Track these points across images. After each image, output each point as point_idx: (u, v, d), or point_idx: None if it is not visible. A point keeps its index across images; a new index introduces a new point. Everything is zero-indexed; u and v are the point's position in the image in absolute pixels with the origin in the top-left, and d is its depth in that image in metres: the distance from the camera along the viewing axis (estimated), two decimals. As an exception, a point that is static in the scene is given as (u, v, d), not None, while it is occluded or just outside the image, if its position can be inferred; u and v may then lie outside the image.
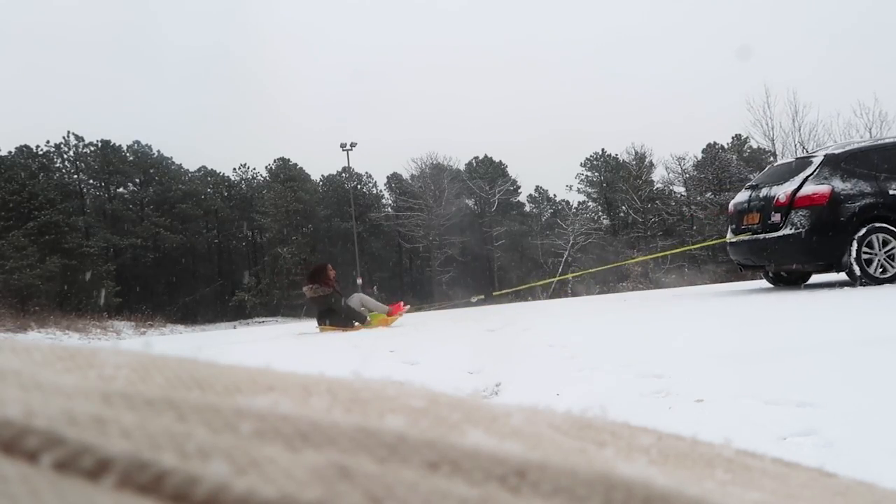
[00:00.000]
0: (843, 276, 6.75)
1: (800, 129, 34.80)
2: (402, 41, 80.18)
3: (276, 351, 5.41)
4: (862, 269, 6.36)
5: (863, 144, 7.00)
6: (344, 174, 44.14)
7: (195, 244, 42.87)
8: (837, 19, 66.54)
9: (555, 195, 48.55)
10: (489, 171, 46.27)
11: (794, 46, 66.29)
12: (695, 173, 41.05)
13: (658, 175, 43.96)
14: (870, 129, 29.95)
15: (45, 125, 60.18)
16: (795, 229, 6.54)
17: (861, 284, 6.35)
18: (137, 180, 42.45)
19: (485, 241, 43.37)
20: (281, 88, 74.34)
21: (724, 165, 39.40)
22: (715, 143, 41.68)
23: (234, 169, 47.11)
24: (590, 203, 47.02)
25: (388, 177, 46.50)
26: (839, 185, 6.52)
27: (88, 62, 68.25)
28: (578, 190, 47.17)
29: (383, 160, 68.54)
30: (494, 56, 76.46)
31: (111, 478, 0.20)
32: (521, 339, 4.63)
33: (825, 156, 6.79)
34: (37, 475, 0.19)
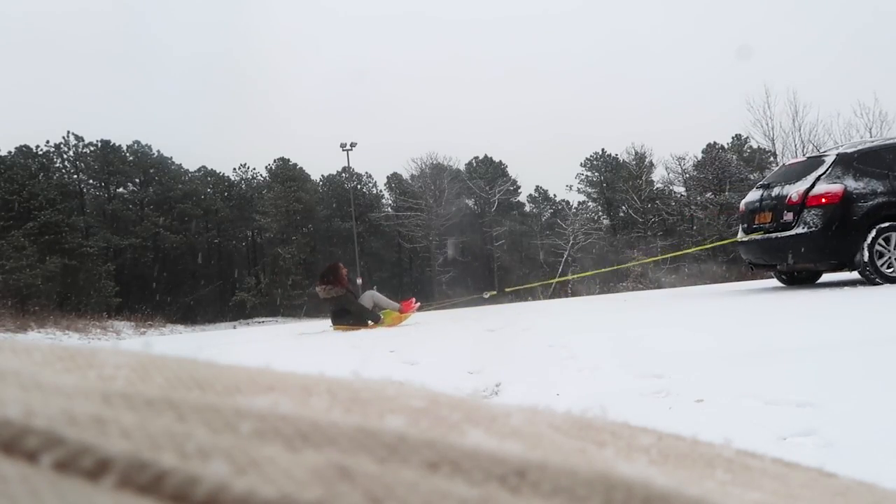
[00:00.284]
0: (855, 274, 6.77)
1: (800, 129, 34.81)
2: (403, 42, 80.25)
3: (276, 351, 5.41)
4: (875, 267, 6.38)
5: (875, 143, 7.00)
6: (344, 174, 44.15)
7: (195, 244, 42.86)
8: (837, 19, 66.55)
9: (555, 195, 48.61)
10: (489, 171, 46.27)
11: (795, 47, 66.34)
12: (695, 173, 41.05)
13: (658, 175, 44.02)
14: (870, 129, 29.95)
15: (45, 125, 60.24)
16: (808, 228, 6.55)
17: (874, 283, 6.37)
18: (137, 180, 42.45)
19: (485, 241, 43.38)
20: (281, 88, 74.39)
21: (724, 165, 39.40)
22: (715, 143, 41.70)
23: (234, 169, 47.16)
24: (590, 203, 47.05)
25: (388, 177, 46.55)
26: (852, 184, 6.53)
27: (88, 62, 68.29)
28: (578, 190, 47.23)
29: (383, 160, 68.59)
30: (494, 57, 76.50)
31: (111, 478, 0.20)
32: (521, 339, 4.63)
33: (838, 155, 6.80)
34: (37, 475, 0.19)
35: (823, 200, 6.51)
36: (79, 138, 40.75)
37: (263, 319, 35.05)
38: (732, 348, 3.09)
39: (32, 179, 35.43)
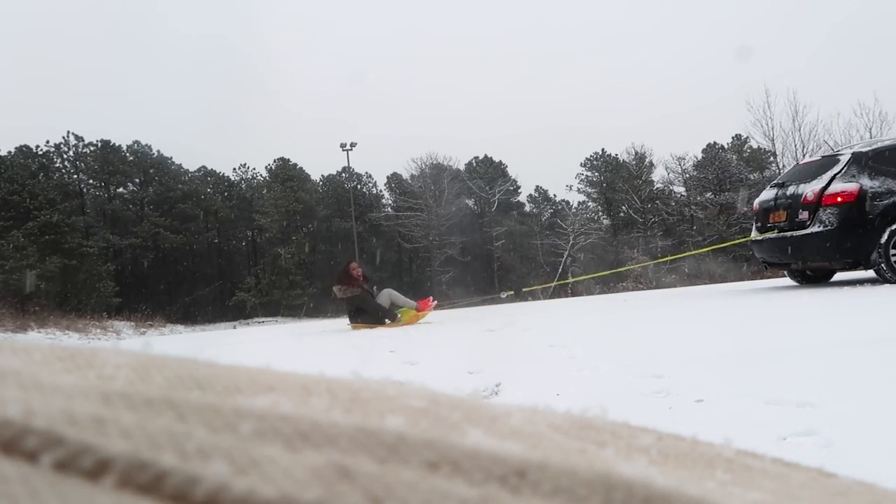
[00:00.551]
0: (869, 273, 6.78)
1: (800, 129, 34.84)
2: (403, 42, 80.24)
3: (276, 351, 5.41)
4: (890, 266, 6.39)
5: (890, 142, 7.03)
6: (344, 174, 44.15)
7: (195, 244, 42.87)
8: (838, 19, 66.55)
9: (555, 195, 48.60)
10: (489, 171, 46.27)
11: (795, 46, 66.33)
12: (695, 173, 41.04)
13: (658, 175, 44.02)
14: (870, 129, 29.96)
15: (45, 125, 60.19)
16: (824, 227, 6.56)
17: (889, 282, 6.38)
18: (137, 180, 42.44)
19: (485, 241, 43.38)
20: (281, 89, 74.40)
21: (724, 165, 39.40)
22: (715, 143, 41.69)
23: (234, 169, 47.14)
24: (590, 203, 47.03)
25: (388, 177, 46.54)
26: (867, 182, 6.54)
27: (88, 62, 68.27)
28: (578, 190, 47.21)
29: (383, 160, 68.67)
30: (495, 59, 76.47)
31: (111, 478, 0.20)
32: (521, 339, 4.63)
33: (853, 154, 6.81)
34: (37, 475, 0.19)
35: (839, 199, 6.53)
36: (79, 138, 40.76)
37: (263, 319, 35.05)
38: (732, 348, 3.09)
39: (32, 179, 35.41)
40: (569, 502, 0.23)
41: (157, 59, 70.31)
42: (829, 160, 7.06)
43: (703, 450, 0.36)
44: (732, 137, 42.36)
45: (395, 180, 45.88)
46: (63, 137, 40.43)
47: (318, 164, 68.55)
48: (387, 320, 7.25)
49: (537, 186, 48.50)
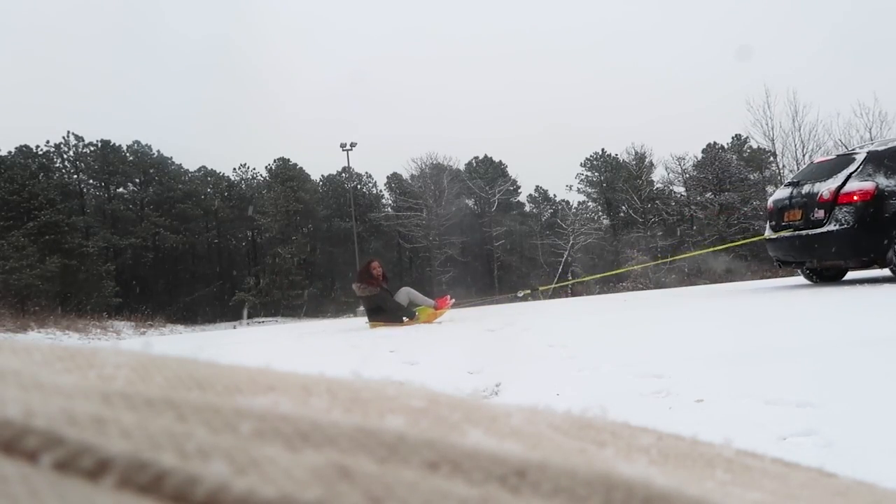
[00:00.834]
0: (885, 272, 6.79)
1: (800, 129, 34.92)
2: (403, 42, 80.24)
3: (276, 351, 5.41)
4: None
5: None
6: (344, 174, 44.15)
7: (195, 244, 42.87)
8: (838, 20, 66.55)
9: (555, 195, 48.61)
10: (489, 171, 46.27)
11: (795, 47, 66.33)
12: (695, 173, 41.04)
13: (658, 175, 44.03)
14: (870, 129, 29.99)
15: (45, 125, 60.22)
16: (840, 225, 6.58)
17: None
18: (137, 180, 42.44)
19: (485, 241, 43.38)
20: (281, 89, 74.41)
21: (724, 165, 39.40)
22: (715, 143, 41.70)
23: (234, 169, 47.15)
24: (590, 203, 47.03)
25: (388, 177, 46.54)
26: (883, 181, 6.56)
27: (88, 62, 68.27)
28: (578, 190, 47.21)
29: (383, 160, 68.67)
30: (495, 59, 76.46)
31: (111, 478, 0.20)
32: (520, 339, 4.63)
33: (868, 153, 6.83)
34: (37, 475, 0.19)
35: (855, 198, 6.55)
36: (79, 138, 40.76)
37: (263, 319, 35.05)
38: (733, 348, 3.09)
39: (32, 179, 35.41)
40: (569, 502, 0.23)
41: (158, 59, 70.34)
42: (845, 159, 7.09)
43: (703, 450, 0.36)
44: (732, 137, 42.38)
45: (395, 180, 45.89)
46: (63, 137, 40.47)
47: (318, 164, 68.65)
48: (405, 318, 7.31)
49: (537, 186, 48.55)
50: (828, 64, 63.61)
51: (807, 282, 7.94)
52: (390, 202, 46.33)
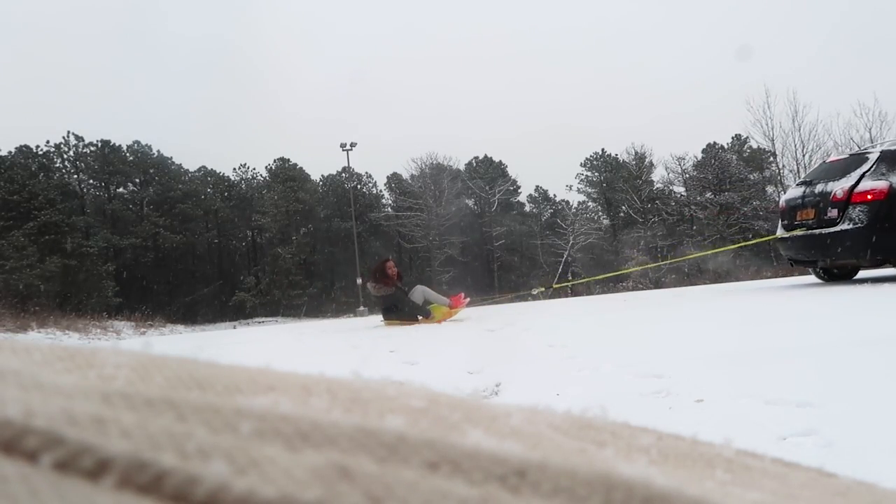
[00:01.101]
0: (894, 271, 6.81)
1: (800, 129, 34.94)
2: (403, 42, 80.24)
3: (276, 351, 5.41)
4: None
5: None
6: (344, 174, 44.14)
7: (195, 244, 42.87)
8: (838, 19, 66.55)
9: (555, 195, 48.62)
10: (489, 171, 46.27)
11: (795, 47, 66.34)
12: (695, 173, 41.05)
13: (658, 175, 44.07)
14: (870, 129, 30.02)
15: (45, 125, 60.28)
16: (854, 224, 6.60)
17: None
18: (137, 180, 42.44)
19: (485, 241, 43.38)
20: (281, 89, 74.41)
21: (723, 165, 39.42)
22: (715, 143, 41.71)
23: (234, 169, 47.17)
24: (590, 203, 47.04)
25: (388, 177, 46.56)
26: None
27: (88, 62, 68.27)
28: (578, 190, 47.23)
29: (383, 160, 68.72)
30: (495, 59, 76.46)
31: (111, 478, 0.20)
32: (520, 339, 4.63)
33: (882, 152, 6.85)
34: (37, 475, 0.19)
35: (869, 197, 6.56)
36: (79, 138, 40.76)
37: (263, 319, 35.06)
38: (733, 348, 3.09)
39: (32, 179, 35.41)
40: (569, 502, 0.23)
41: (158, 59, 70.37)
42: (858, 158, 7.10)
43: (703, 450, 0.36)
44: (732, 137, 42.39)
45: (395, 180, 45.89)
46: (63, 137, 40.47)
47: (318, 164, 68.71)
48: (420, 317, 7.32)
49: (537, 186, 48.56)
50: (828, 64, 63.63)
51: (813, 281, 7.96)
52: (390, 202, 46.34)
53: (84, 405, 0.23)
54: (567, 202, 47.32)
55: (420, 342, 4.89)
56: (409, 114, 71.25)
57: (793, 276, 12.05)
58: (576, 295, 20.88)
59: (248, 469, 0.21)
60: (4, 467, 0.19)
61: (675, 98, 66.78)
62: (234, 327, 28.14)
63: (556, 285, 11.29)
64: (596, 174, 46.85)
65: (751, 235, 34.93)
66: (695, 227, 39.60)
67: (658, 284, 24.89)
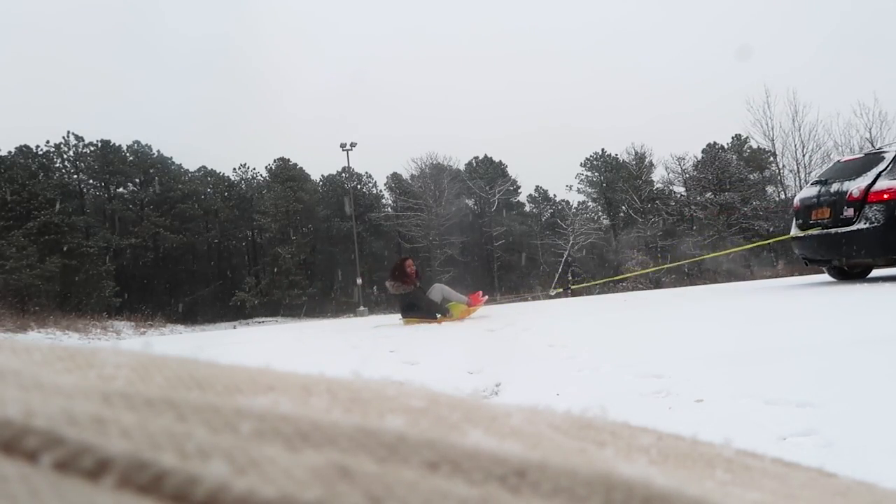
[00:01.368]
0: None
1: (800, 129, 34.98)
2: (403, 42, 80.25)
3: (276, 351, 5.41)
4: None
5: None
6: (344, 174, 44.14)
7: (195, 244, 42.86)
8: (838, 19, 66.56)
9: (555, 195, 48.63)
10: (489, 171, 46.26)
11: (795, 46, 66.35)
12: (695, 173, 41.04)
13: (658, 175, 44.07)
14: (870, 129, 30.05)
15: (45, 125, 60.25)
16: (870, 224, 6.61)
17: None
18: (137, 180, 42.44)
19: (485, 241, 43.37)
20: (281, 89, 74.44)
21: (724, 165, 39.41)
22: (715, 143, 41.70)
23: (234, 169, 47.16)
24: (590, 203, 47.04)
25: (388, 177, 46.55)
26: None
27: (88, 62, 68.27)
28: (578, 190, 47.22)
29: (383, 160, 68.75)
30: (495, 59, 76.46)
31: (111, 478, 0.20)
32: (520, 339, 4.63)
33: None
34: (37, 475, 0.19)
35: (885, 196, 6.58)
36: (79, 138, 40.75)
37: (263, 319, 35.07)
38: (733, 347, 3.09)
39: (32, 179, 35.42)
40: (569, 502, 0.23)
41: (158, 59, 70.38)
42: (873, 157, 7.12)
43: (703, 450, 0.36)
44: (732, 137, 42.39)
45: (395, 180, 45.88)
46: (63, 137, 40.45)
47: (318, 164, 68.76)
48: (438, 315, 7.33)
49: (537, 186, 48.56)
50: (827, 64, 63.66)
51: (823, 280, 7.96)
52: (390, 202, 46.33)
53: (84, 405, 0.23)
54: (567, 202, 47.36)
55: (420, 342, 4.89)
56: (409, 114, 71.27)
57: (803, 274, 12.02)
58: (576, 295, 20.91)
59: (248, 469, 0.21)
60: (4, 467, 0.19)
61: (674, 98, 66.81)
62: (234, 327, 28.14)
63: (575, 287, 11.38)
64: (596, 174, 46.84)
65: (751, 235, 34.94)
66: (695, 227, 39.61)
67: (658, 284, 24.90)
